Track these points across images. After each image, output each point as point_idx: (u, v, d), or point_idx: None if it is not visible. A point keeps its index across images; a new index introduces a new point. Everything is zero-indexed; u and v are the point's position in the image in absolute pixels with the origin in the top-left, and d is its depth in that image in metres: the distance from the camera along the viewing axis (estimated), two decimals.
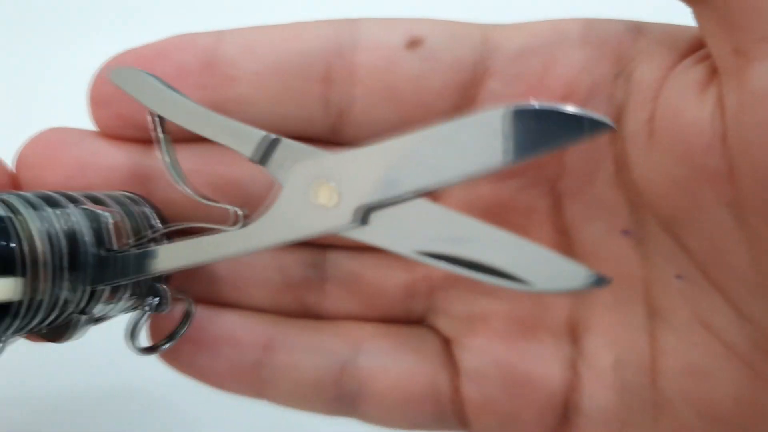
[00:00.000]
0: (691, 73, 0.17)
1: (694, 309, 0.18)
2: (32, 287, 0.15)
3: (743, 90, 0.15)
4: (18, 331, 0.16)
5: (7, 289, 0.15)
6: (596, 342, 0.19)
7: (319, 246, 0.21)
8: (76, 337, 0.17)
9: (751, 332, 0.17)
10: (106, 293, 0.17)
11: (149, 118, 0.17)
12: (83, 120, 0.20)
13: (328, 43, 0.19)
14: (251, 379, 0.20)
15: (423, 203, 0.15)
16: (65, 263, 0.16)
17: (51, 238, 0.16)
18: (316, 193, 0.16)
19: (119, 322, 0.19)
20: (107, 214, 0.17)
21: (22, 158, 0.20)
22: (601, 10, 0.19)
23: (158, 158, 0.18)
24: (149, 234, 0.19)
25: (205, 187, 0.19)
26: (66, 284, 0.16)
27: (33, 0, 0.34)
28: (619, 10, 0.19)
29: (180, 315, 0.20)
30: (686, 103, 0.17)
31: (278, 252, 0.20)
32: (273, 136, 0.16)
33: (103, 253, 0.17)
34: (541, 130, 0.14)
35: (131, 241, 0.18)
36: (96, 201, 0.18)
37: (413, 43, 0.19)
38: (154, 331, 0.20)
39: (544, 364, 0.20)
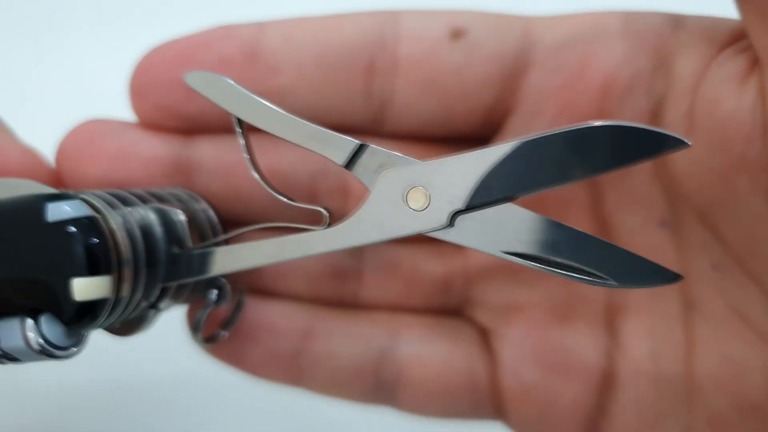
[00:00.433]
0: (731, 64, 0.17)
1: (729, 299, 0.18)
2: (117, 285, 0.15)
3: None
4: (99, 327, 0.16)
5: (102, 287, 0.15)
6: (632, 332, 0.19)
7: None
8: (144, 330, 0.17)
9: None
10: (173, 290, 0.18)
11: (234, 122, 0.17)
12: (123, 112, 0.20)
13: (370, 34, 0.19)
14: (289, 368, 0.21)
15: (507, 206, 0.16)
16: (143, 261, 0.16)
17: (131, 235, 0.16)
18: (408, 196, 0.16)
19: None
20: (178, 211, 0.17)
21: (62, 151, 0.20)
22: (641, 2, 0.19)
23: (244, 160, 0.18)
24: (219, 234, 0.19)
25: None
26: (142, 281, 0.16)
27: None
28: (658, 3, 0.19)
29: (232, 305, 0.20)
30: (726, 94, 0.17)
31: None
32: (359, 142, 0.17)
33: (175, 250, 0.17)
34: (629, 145, 0.15)
35: (214, 238, 0.18)
36: (159, 198, 0.18)
37: (456, 34, 0.19)
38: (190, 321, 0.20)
39: (580, 353, 0.20)
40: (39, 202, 0.15)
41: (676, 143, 0.14)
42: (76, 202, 0.15)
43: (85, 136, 0.20)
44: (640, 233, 0.19)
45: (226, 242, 0.19)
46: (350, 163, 0.17)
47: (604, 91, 0.18)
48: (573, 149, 0.15)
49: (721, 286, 0.18)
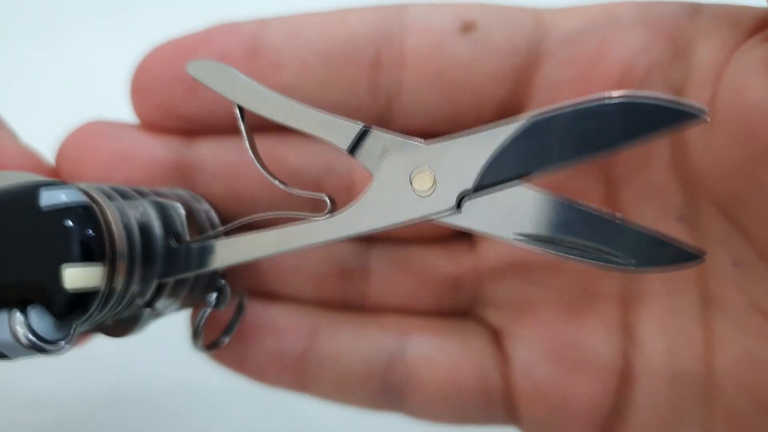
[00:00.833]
0: (757, 51, 0.16)
1: (751, 295, 0.18)
2: (110, 276, 0.15)
3: None
4: (90, 321, 0.15)
5: (94, 277, 0.15)
6: (648, 329, 0.19)
7: (364, 237, 0.21)
8: (139, 331, 0.17)
9: None
10: (169, 287, 0.17)
11: (235, 110, 0.17)
12: (123, 113, 0.20)
13: (376, 27, 0.19)
14: (295, 372, 0.20)
15: (517, 188, 0.15)
16: (139, 254, 0.16)
17: (127, 228, 0.16)
18: (412, 180, 0.16)
19: None
20: (177, 204, 0.17)
21: (62, 151, 0.20)
22: None
23: (246, 150, 0.17)
24: (219, 227, 0.19)
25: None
26: (138, 275, 0.16)
27: None
28: None
29: (233, 309, 0.19)
30: (752, 83, 0.16)
31: None
32: (363, 125, 0.16)
33: (173, 244, 0.17)
34: (645, 119, 0.14)
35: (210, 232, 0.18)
36: (160, 196, 0.18)
37: (465, 27, 0.18)
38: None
39: (595, 352, 0.19)
40: (34, 188, 0.15)
41: (695, 114, 0.14)
42: (71, 190, 0.15)
43: (86, 137, 0.20)
44: (657, 227, 0.19)
45: (226, 235, 0.18)
46: (355, 148, 0.16)
47: (621, 81, 0.18)
48: (588, 124, 0.14)
49: (743, 282, 0.18)
